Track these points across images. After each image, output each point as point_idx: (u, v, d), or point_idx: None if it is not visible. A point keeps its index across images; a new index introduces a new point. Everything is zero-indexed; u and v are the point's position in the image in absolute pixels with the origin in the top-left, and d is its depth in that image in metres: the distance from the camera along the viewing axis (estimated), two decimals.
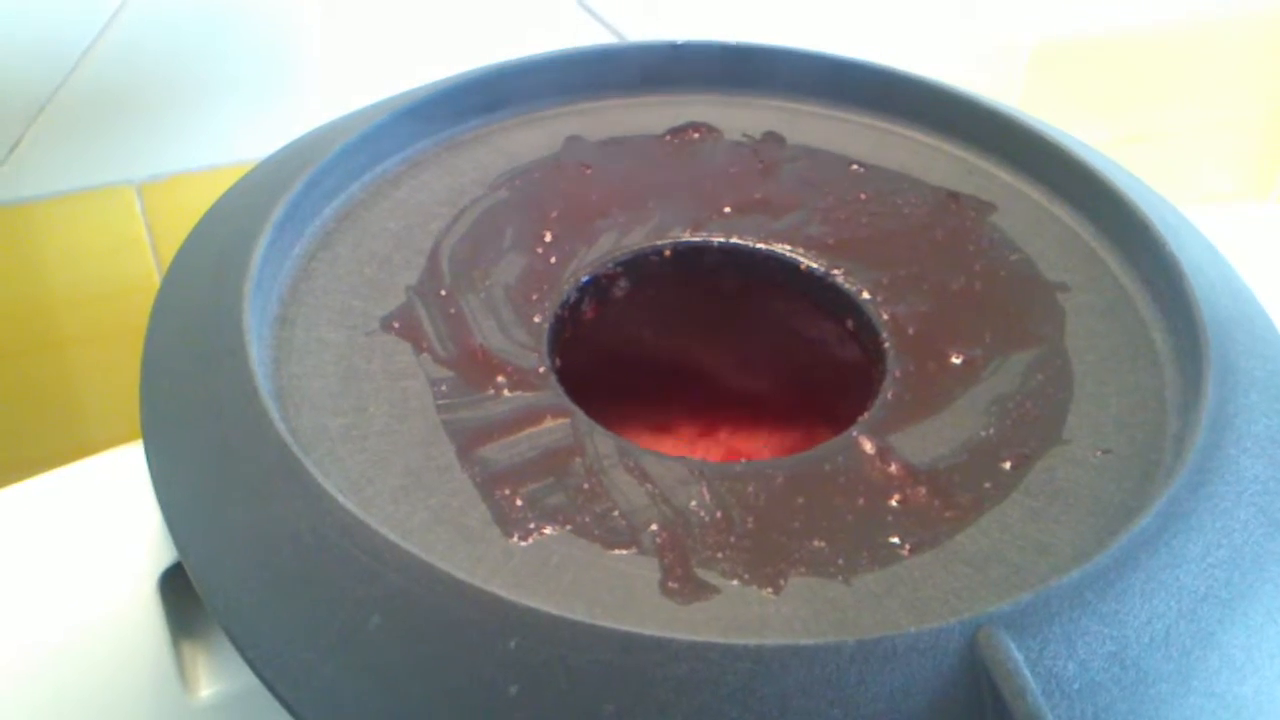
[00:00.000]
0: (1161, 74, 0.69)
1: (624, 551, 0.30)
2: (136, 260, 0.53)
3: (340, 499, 0.28)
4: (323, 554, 0.28)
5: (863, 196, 0.42)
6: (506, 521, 0.30)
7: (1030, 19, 0.64)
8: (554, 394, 0.34)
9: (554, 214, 0.40)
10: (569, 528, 0.30)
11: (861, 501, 0.32)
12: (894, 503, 0.32)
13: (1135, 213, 0.38)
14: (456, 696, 0.26)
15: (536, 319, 0.37)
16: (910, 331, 0.37)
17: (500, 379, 0.35)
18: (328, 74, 0.52)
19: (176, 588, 0.35)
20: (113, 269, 0.53)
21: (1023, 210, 0.41)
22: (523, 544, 0.30)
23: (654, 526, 0.31)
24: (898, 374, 0.36)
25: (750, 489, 0.32)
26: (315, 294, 0.36)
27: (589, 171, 0.42)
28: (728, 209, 0.41)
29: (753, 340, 0.43)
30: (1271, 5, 0.69)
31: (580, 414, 0.34)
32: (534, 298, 0.37)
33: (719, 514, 0.31)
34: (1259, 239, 0.55)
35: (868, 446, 0.33)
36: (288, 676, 0.27)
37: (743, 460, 0.39)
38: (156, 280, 0.54)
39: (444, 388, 0.34)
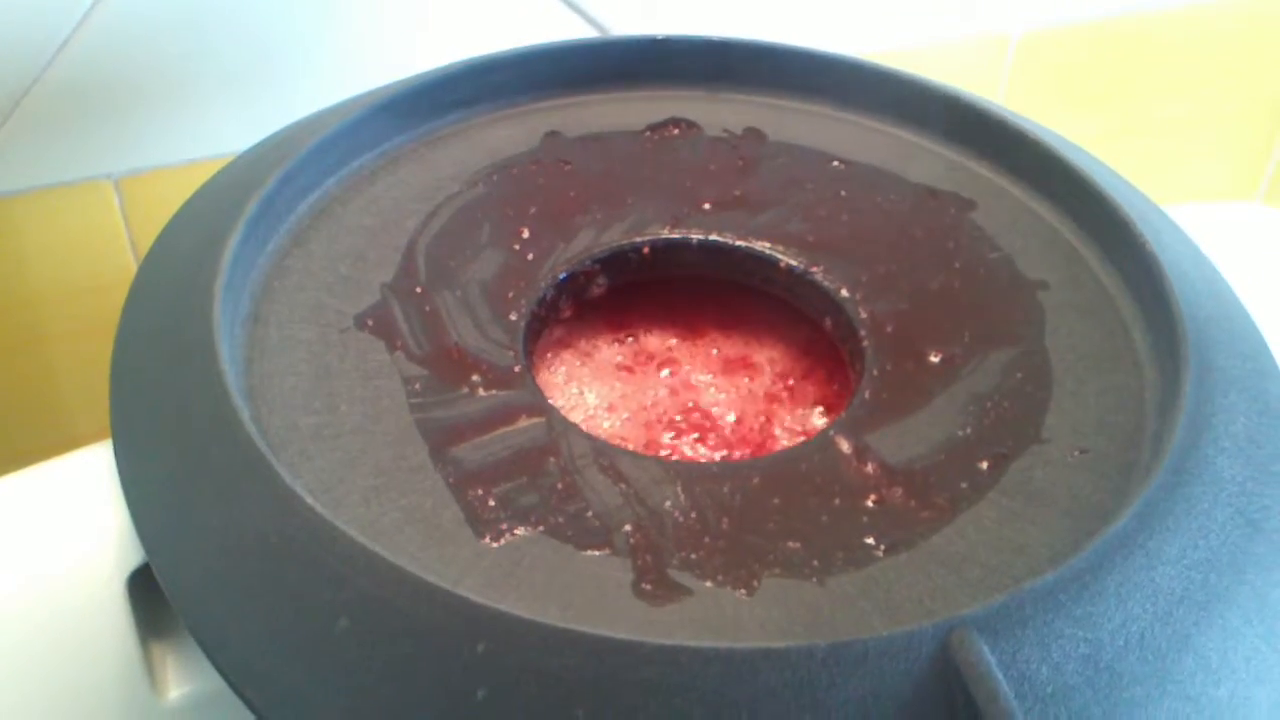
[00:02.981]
0: (1149, 66, 0.69)
1: (597, 552, 0.30)
2: (115, 255, 0.53)
3: (308, 500, 0.28)
4: (290, 556, 0.27)
5: (843, 193, 0.42)
6: (478, 522, 0.30)
7: (1017, 9, 0.64)
8: (529, 393, 0.34)
9: (532, 210, 0.40)
10: (541, 528, 0.30)
11: (837, 502, 0.31)
12: (870, 503, 0.32)
13: (1116, 211, 0.37)
14: (424, 700, 0.26)
15: (513, 317, 0.36)
16: (889, 330, 0.37)
17: (475, 377, 0.34)
18: (306, 68, 0.52)
19: (145, 588, 0.35)
20: (91, 264, 0.53)
21: (1003, 208, 0.41)
22: (494, 545, 0.30)
23: (628, 527, 0.30)
24: (876, 373, 0.36)
25: (725, 489, 0.32)
26: (288, 291, 0.36)
27: (567, 167, 0.42)
28: (707, 205, 0.41)
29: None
30: None
31: (555, 413, 0.34)
32: (510, 295, 0.37)
33: (693, 514, 0.31)
34: (1244, 237, 0.55)
35: (844, 446, 0.33)
36: (255, 680, 0.27)
37: (719, 450, 0.39)
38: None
39: (418, 386, 0.34)
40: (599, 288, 0.40)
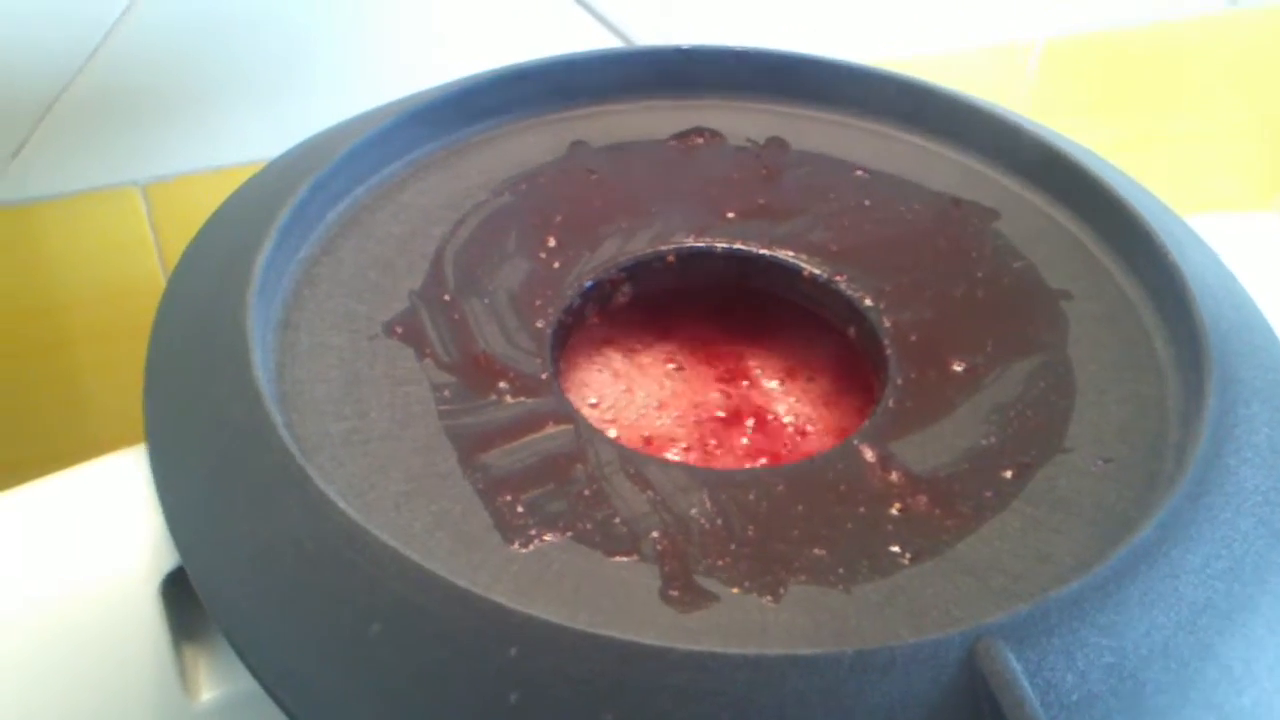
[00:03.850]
0: (1170, 76, 0.69)
1: (624, 559, 0.30)
2: (141, 261, 0.54)
3: (341, 505, 0.28)
4: (324, 560, 0.28)
5: (866, 202, 0.42)
6: (507, 528, 0.30)
7: (1040, 18, 0.64)
8: (556, 400, 0.34)
9: (558, 219, 0.40)
10: (570, 535, 0.30)
11: (862, 510, 0.32)
12: (895, 511, 0.32)
13: (1138, 221, 0.38)
14: (456, 704, 0.26)
15: (540, 324, 0.37)
16: (912, 339, 0.37)
17: (503, 385, 0.35)
18: (334, 76, 0.52)
19: (179, 591, 0.35)
20: (118, 270, 0.53)
21: (1026, 217, 0.41)
22: (523, 551, 0.30)
23: (655, 534, 0.31)
24: (899, 382, 0.36)
25: (751, 496, 0.32)
26: (319, 298, 0.36)
27: (593, 176, 0.42)
28: (731, 215, 0.41)
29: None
30: None
31: (582, 420, 0.34)
32: (537, 303, 0.37)
33: (719, 521, 0.31)
34: (1263, 247, 0.55)
35: (869, 454, 0.33)
36: (288, 683, 0.28)
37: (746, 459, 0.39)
38: (161, 281, 0.54)
39: (446, 393, 0.34)
40: (624, 296, 0.40)
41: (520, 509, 0.31)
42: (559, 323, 0.37)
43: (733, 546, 0.30)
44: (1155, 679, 0.27)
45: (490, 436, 0.33)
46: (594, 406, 0.40)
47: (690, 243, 0.40)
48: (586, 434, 0.33)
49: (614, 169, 0.43)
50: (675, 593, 0.29)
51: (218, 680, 0.37)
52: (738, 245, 0.40)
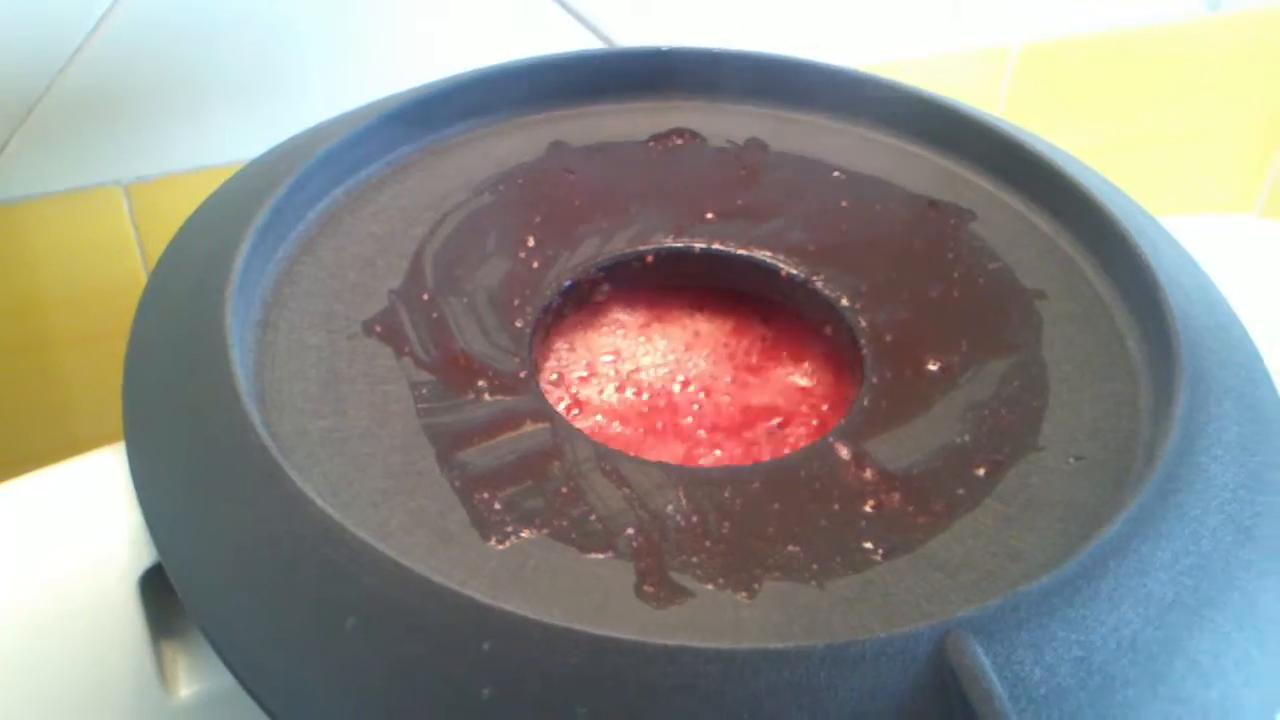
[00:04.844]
0: (1147, 79, 0.70)
1: (600, 555, 0.30)
2: (124, 261, 0.54)
3: (318, 502, 0.28)
4: (301, 556, 0.28)
5: (843, 203, 0.42)
6: (485, 525, 0.31)
7: (1017, 22, 0.65)
8: (534, 398, 0.35)
9: (537, 219, 0.41)
10: (546, 531, 0.31)
11: (836, 507, 0.32)
12: (868, 508, 0.32)
13: (1113, 222, 0.38)
14: (431, 698, 0.26)
15: (518, 324, 0.37)
16: (888, 338, 0.37)
17: (481, 383, 0.35)
18: (315, 77, 0.53)
19: (157, 587, 0.36)
20: (100, 269, 0.53)
21: (1002, 219, 0.41)
22: (500, 547, 0.30)
23: (630, 530, 0.31)
24: (875, 380, 0.36)
25: (726, 494, 0.32)
26: (298, 298, 0.36)
27: (572, 177, 0.42)
28: (710, 215, 0.42)
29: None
30: (1261, 7, 0.70)
31: (560, 418, 0.34)
32: (516, 302, 0.38)
33: (695, 518, 0.31)
34: (1240, 249, 0.56)
35: (843, 452, 0.34)
36: (265, 678, 0.28)
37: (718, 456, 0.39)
38: (143, 280, 0.54)
39: (425, 391, 0.34)
40: (603, 295, 0.40)
41: (498, 506, 0.31)
42: (538, 322, 0.37)
43: (707, 543, 0.31)
44: (1123, 673, 0.27)
45: (468, 434, 0.33)
46: (612, 362, 0.40)
47: (669, 243, 0.40)
48: (563, 432, 0.34)
49: (593, 169, 0.43)
50: (650, 589, 0.29)
51: (196, 676, 0.37)
52: (716, 245, 0.41)
